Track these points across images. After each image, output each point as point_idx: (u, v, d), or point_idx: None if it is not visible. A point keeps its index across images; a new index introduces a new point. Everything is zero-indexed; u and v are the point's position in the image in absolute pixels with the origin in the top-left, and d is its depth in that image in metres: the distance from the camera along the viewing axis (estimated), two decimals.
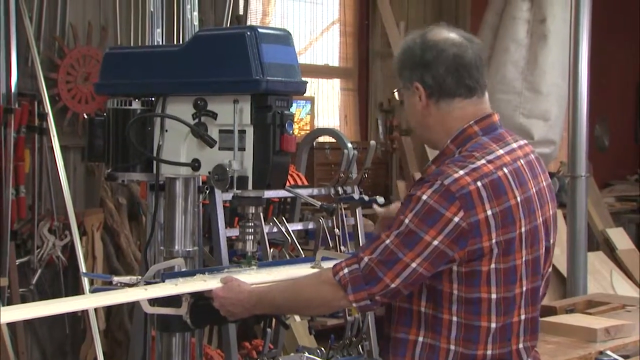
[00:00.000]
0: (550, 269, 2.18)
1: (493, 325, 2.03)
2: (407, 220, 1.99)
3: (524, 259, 2.05)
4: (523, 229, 2.03)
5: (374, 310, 2.14)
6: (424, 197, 1.98)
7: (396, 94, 2.21)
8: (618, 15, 7.70)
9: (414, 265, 1.97)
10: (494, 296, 2.02)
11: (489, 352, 2.04)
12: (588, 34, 4.91)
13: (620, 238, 6.54)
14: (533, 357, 2.18)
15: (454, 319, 2.03)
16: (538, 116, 6.08)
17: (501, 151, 2.06)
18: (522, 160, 2.09)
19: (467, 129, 2.09)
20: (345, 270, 2.04)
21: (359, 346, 3.21)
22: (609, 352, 3.08)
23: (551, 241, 2.15)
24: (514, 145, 2.11)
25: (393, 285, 1.99)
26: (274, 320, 2.70)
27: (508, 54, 6.09)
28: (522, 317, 2.08)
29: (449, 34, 2.12)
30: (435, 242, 1.96)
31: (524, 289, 2.06)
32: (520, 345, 2.09)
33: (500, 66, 6.11)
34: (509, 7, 6.15)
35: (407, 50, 2.13)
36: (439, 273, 2.02)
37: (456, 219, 1.95)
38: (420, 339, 2.06)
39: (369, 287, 2.01)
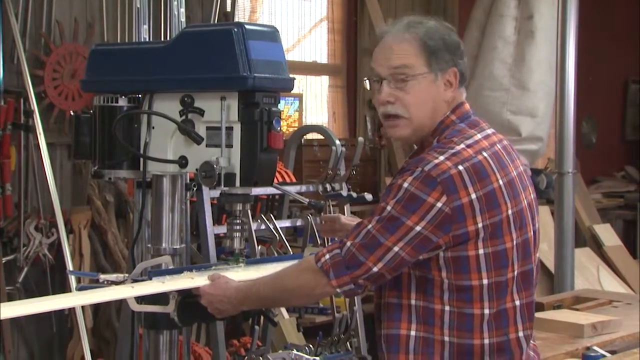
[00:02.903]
0: (538, 255, 2.17)
1: (486, 311, 2.02)
2: (389, 207, 1.98)
3: (514, 242, 2.04)
4: (510, 212, 2.02)
5: (360, 295, 2.13)
6: (405, 184, 1.97)
7: (406, 76, 2.06)
8: (605, 13, 7.72)
9: (396, 249, 1.97)
10: (485, 282, 2.01)
11: (485, 341, 2.02)
12: (575, 31, 4.93)
13: (607, 234, 6.55)
14: (533, 349, 2.16)
15: (447, 308, 2.02)
16: (525, 113, 6.09)
17: (479, 136, 2.07)
18: (498, 145, 2.09)
19: (444, 120, 2.10)
20: (327, 256, 2.03)
21: (347, 343, 3.21)
22: (595, 348, 3.08)
23: (537, 225, 2.15)
24: (489, 131, 2.12)
25: (375, 269, 1.99)
26: (262, 317, 2.69)
27: (496, 51, 6.09)
28: (517, 302, 2.07)
29: None
30: (418, 228, 1.95)
31: (516, 272, 2.05)
32: (520, 334, 2.08)
33: (487, 63, 6.11)
34: (496, 5, 6.15)
35: (440, 33, 2.09)
36: (427, 261, 2.01)
37: (439, 204, 1.95)
38: (413, 332, 2.04)
39: (351, 272, 2.00)
